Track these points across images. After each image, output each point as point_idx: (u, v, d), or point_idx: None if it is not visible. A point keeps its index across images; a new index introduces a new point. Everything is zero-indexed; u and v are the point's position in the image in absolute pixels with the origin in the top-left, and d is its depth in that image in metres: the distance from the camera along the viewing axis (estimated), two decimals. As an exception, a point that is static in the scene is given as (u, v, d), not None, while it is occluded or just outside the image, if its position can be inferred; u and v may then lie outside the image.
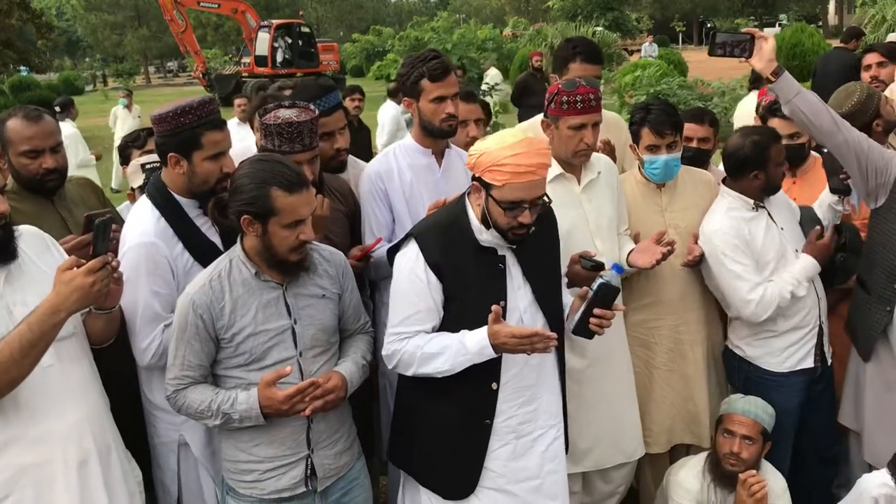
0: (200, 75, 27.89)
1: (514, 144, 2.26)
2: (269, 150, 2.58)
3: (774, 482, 2.98)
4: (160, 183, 2.55)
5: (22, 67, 28.63)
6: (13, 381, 1.99)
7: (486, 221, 2.35)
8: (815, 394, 3.19)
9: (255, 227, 2.24)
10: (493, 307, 2.27)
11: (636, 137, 3.09)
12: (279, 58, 26.14)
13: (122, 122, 13.06)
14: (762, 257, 3.03)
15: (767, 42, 2.80)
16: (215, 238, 2.56)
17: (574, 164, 2.91)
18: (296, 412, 2.26)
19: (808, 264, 3.02)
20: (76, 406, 2.18)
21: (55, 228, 2.56)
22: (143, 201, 2.57)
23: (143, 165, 2.97)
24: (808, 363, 3.13)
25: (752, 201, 3.04)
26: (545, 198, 2.33)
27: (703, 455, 3.06)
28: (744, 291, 3.00)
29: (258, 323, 2.29)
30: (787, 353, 3.11)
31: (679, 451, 3.33)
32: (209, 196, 2.46)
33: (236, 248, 2.34)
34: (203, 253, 2.51)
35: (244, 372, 2.31)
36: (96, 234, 2.10)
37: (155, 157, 2.75)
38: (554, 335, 2.26)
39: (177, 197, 2.53)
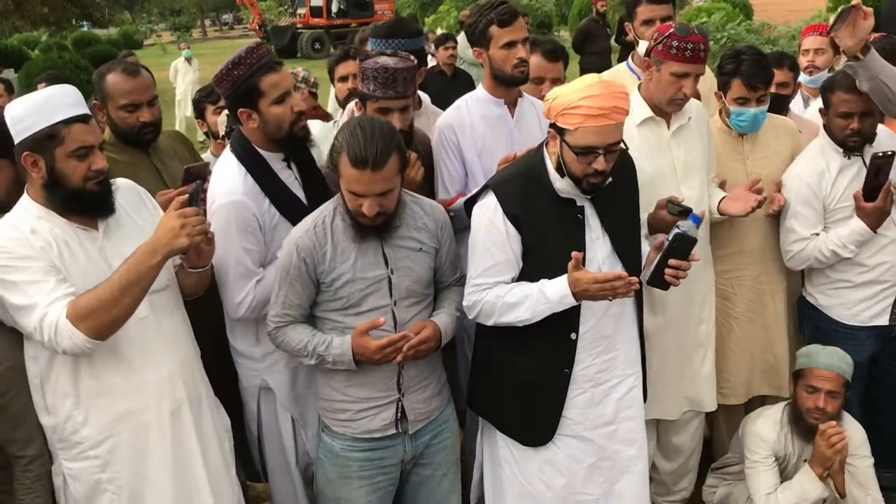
0: (256, 27, 27.98)
1: (589, 87, 2.22)
2: (364, 94, 2.64)
3: (854, 432, 2.94)
4: (243, 138, 2.57)
5: (84, 22, 29.10)
6: (115, 319, 2.06)
7: (560, 169, 2.33)
8: (889, 349, 3.12)
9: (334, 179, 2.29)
10: (574, 253, 2.26)
11: (725, 87, 3.00)
12: (334, 8, 26.01)
13: (183, 75, 13.23)
14: (836, 206, 2.96)
15: (867, 20, 2.65)
16: (299, 192, 2.60)
17: (667, 111, 2.83)
18: (386, 361, 2.32)
19: (856, 228, 2.93)
20: (170, 357, 2.27)
21: (151, 179, 2.64)
22: (229, 157, 2.58)
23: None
24: (882, 320, 3.06)
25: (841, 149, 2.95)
26: (622, 144, 2.30)
27: (781, 405, 3.03)
28: (788, 241, 3.00)
29: (357, 270, 2.34)
30: (861, 306, 3.05)
31: (754, 402, 3.30)
32: (289, 142, 2.51)
33: (338, 197, 2.37)
34: (289, 208, 2.55)
35: (341, 316, 2.38)
36: (192, 198, 2.16)
37: None
38: (635, 279, 2.26)
39: (260, 151, 2.54)
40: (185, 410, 2.29)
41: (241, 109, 2.48)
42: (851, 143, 2.93)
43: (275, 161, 2.56)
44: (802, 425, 2.90)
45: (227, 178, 2.52)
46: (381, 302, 2.36)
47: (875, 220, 2.89)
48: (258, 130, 2.51)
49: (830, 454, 2.76)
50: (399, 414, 2.44)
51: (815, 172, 2.96)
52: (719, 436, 3.44)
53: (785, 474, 2.94)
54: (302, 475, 2.74)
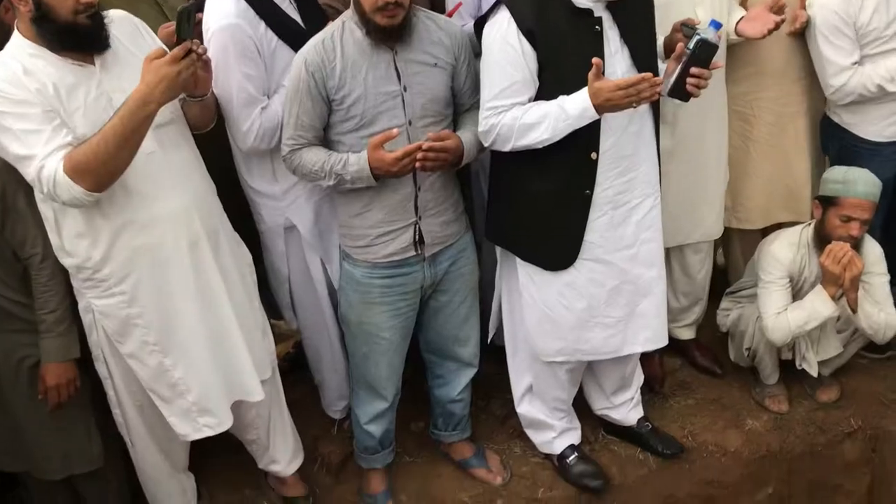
0: None
1: None
2: None
3: (870, 250, 2.96)
4: None
5: None
6: (112, 172, 2.04)
7: None
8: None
9: None
10: (594, 60, 2.19)
11: None
12: None
13: None
14: (869, 33, 2.84)
15: None
16: (295, 15, 2.51)
17: None
18: (405, 173, 2.30)
19: None
20: (182, 190, 2.25)
21: (150, 12, 2.54)
22: None
23: None
24: None
25: None
26: None
27: (799, 227, 3.02)
28: (829, 74, 2.88)
29: (368, 85, 2.29)
30: (888, 121, 2.98)
31: (770, 229, 3.30)
32: None
33: (350, 11, 2.30)
34: (286, 31, 2.47)
35: (356, 137, 2.34)
36: (180, 21, 2.05)
37: None
38: (660, 79, 2.20)
39: None
40: (204, 244, 2.29)
41: None
42: None
43: None
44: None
45: (221, 3, 2.42)
46: (395, 121, 2.32)
47: None
48: None
49: (839, 271, 2.77)
50: (417, 237, 2.45)
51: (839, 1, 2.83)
52: (735, 262, 3.46)
53: (799, 297, 2.96)
54: (332, 309, 2.79)
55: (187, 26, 2.04)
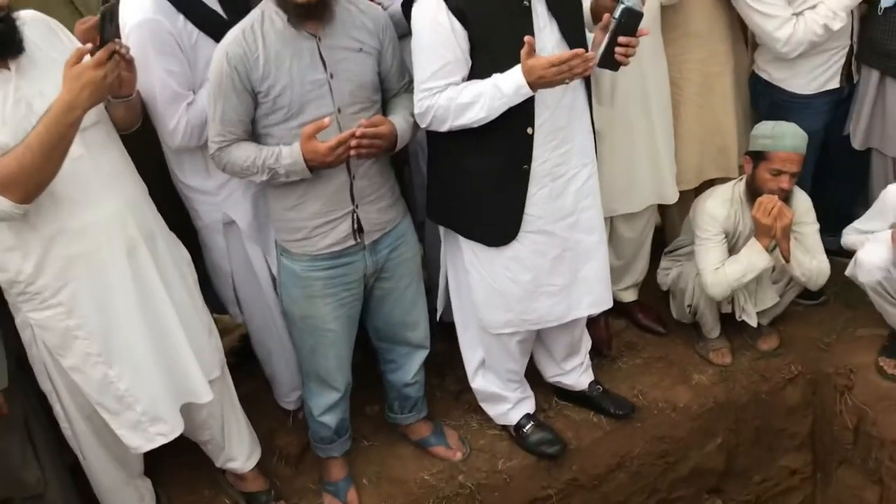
0: None
1: None
2: None
3: (800, 201, 3.05)
4: None
5: None
6: (40, 183, 1.97)
7: None
8: (840, 114, 3.19)
9: None
10: (527, 38, 2.19)
11: None
12: None
13: None
14: None
15: None
16: (215, 6, 2.44)
17: None
18: (340, 162, 2.26)
19: None
20: (113, 193, 2.18)
21: (64, 12, 2.43)
22: None
23: None
24: (835, 83, 3.10)
25: None
26: None
27: (731, 184, 3.10)
28: (772, 29, 2.91)
29: (293, 75, 2.24)
30: (814, 74, 3.07)
31: (703, 187, 3.37)
32: None
33: (266, 1, 2.24)
34: (207, 22, 2.39)
35: (285, 129, 2.30)
36: (102, 22, 1.98)
37: None
38: (591, 53, 2.22)
39: None
40: (141, 248, 2.23)
41: None
42: None
43: None
44: None
45: None
46: (323, 110, 2.28)
47: None
48: None
49: (770, 222, 2.86)
50: (356, 225, 2.43)
51: None
52: (671, 222, 3.54)
53: (735, 251, 3.04)
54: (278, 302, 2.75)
55: (110, 27, 1.97)
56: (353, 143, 2.23)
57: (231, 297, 2.79)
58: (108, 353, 2.21)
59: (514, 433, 2.96)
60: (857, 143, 3.22)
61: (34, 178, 1.94)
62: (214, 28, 2.37)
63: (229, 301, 2.82)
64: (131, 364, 2.23)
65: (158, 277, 2.27)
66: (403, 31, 2.55)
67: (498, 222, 2.53)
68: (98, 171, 2.14)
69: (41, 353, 2.23)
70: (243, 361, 3.18)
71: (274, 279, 2.69)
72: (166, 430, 2.33)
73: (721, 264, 2.98)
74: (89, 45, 1.95)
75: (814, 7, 2.91)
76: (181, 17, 2.36)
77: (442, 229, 2.71)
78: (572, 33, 2.38)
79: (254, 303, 2.77)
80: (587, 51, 2.33)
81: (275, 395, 3.04)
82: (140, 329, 2.23)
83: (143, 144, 2.46)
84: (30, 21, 2.09)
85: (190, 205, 2.64)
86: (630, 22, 2.24)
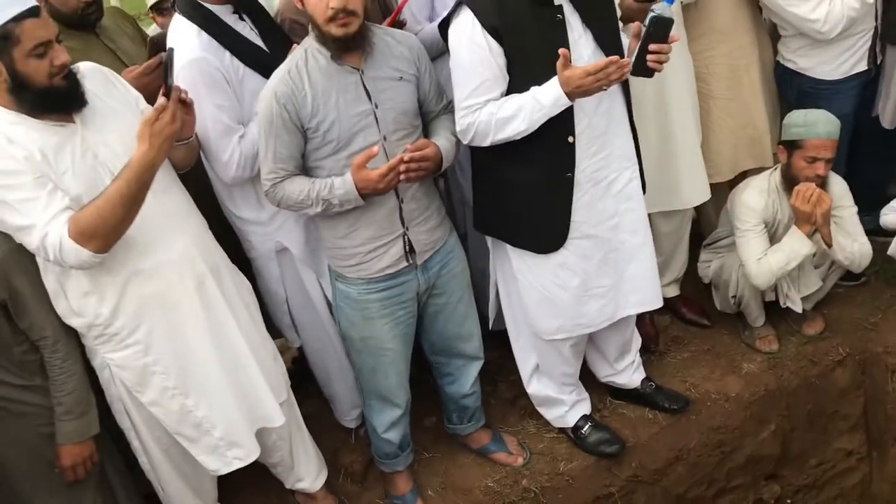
0: None
1: None
2: None
3: (836, 185, 3.09)
4: None
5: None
6: (119, 234, 2.05)
7: None
8: (868, 95, 3.22)
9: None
10: (561, 51, 2.24)
11: None
12: None
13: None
14: None
15: None
16: (258, 41, 2.53)
17: None
18: (391, 188, 2.33)
19: None
20: (180, 232, 2.26)
21: (105, 61, 2.50)
22: (179, 19, 2.49)
23: None
24: (862, 66, 3.14)
25: None
26: None
27: (766, 174, 3.13)
28: (806, 12, 2.95)
29: (340, 109, 2.31)
30: (842, 59, 3.12)
31: (738, 180, 3.40)
32: None
33: (310, 37, 2.31)
34: (252, 58, 2.48)
35: (334, 161, 2.36)
36: (166, 68, 2.04)
37: None
38: (627, 60, 2.27)
39: (208, 6, 2.46)
40: (209, 281, 2.30)
41: None
42: None
43: (225, 14, 2.48)
44: None
45: (183, 39, 2.42)
46: (371, 139, 2.35)
47: None
48: None
49: (809, 209, 2.89)
50: (407, 247, 2.49)
51: None
52: (707, 215, 3.57)
53: (775, 239, 3.09)
54: (334, 323, 2.81)
55: (172, 73, 2.03)
56: (403, 167, 2.29)
57: (287, 322, 2.86)
58: (184, 384, 2.28)
59: (573, 435, 3.01)
60: (886, 123, 3.25)
61: (116, 230, 2.02)
62: (259, 62, 2.46)
63: (286, 326, 2.89)
64: (207, 393, 2.31)
65: (227, 308, 2.34)
66: (436, 53, 2.63)
67: (545, 230, 2.58)
68: (165, 212, 2.22)
69: (119, 392, 2.31)
70: (299, 383, 3.24)
71: (328, 302, 2.75)
72: (243, 455, 2.40)
73: (764, 254, 3.02)
74: (163, 101, 2.02)
75: None
76: (227, 53, 2.45)
77: (490, 239, 2.77)
78: (608, 41, 2.44)
79: (310, 326, 2.84)
80: (623, 57, 2.39)
81: (335, 415, 3.11)
82: (213, 359, 2.30)
83: (195, 180, 2.54)
84: (88, 73, 2.18)
85: (243, 236, 2.71)
86: (660, 29, 2.28)
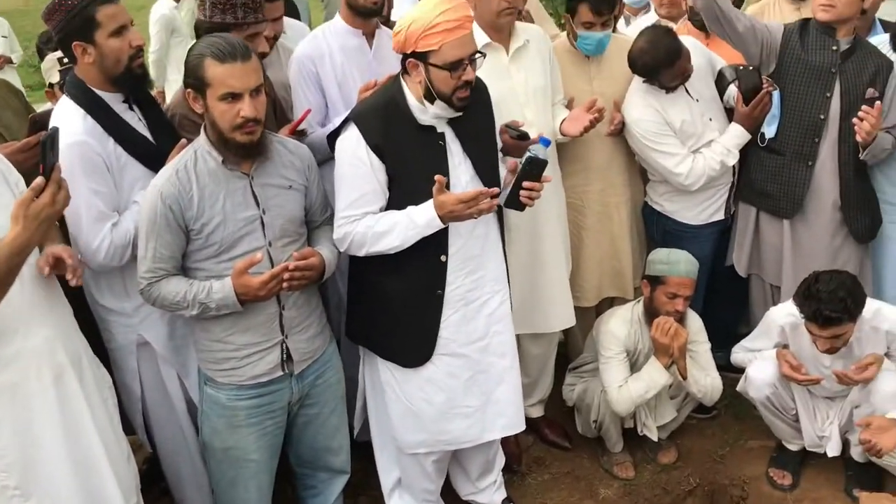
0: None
1: (437, 4, 2.32)
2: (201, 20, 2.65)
3: (692, 321, 3.28)
4: (77, 80, 2.46)
5: None
6: None
7: (429, 95, 2.40)
8: (724, 242, 3.50)
9: (198, 102, 2.24)
10: (437, 177, 2.35)
11: (572, 11, 3.13)
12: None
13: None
14: (685, 133, 3.23)
15: None
16: (145, 131, 2.53)
17: (500, 26, 2.88)
18: (272, 295, 2.32)
19: (736, 133, 3.24)
20: (44, 320, 2.14)
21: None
22: (66, 101, 2.48)
23: (59, 59, 2.84)
24: (720, 215, 3.43)
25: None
26: (479, 53, 2.40)
27: (630, 305, 3.31)
28: (672, 166, 3.23)
29: (227, 212, 2.30)
30: (702, 207, 3.39)
31: (602, 305, 3.57)
32: (128, 80, 2.43)
33: (201, 138, 2.32)
34: (136, 147, 2.48)
35: (215, 263, 2.34)
36: (45, 148, 1.94)
37: None
38: (496, 190, 2.39)
39: (98, 92, 2.45)
40: (69, 374, 2.17)
41: (75, 42, 2.37)
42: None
43: (115, 102, 2.49)
44: None
45: (67, 121, 2.39)
46: (255, 244, 2.35)
47: (751, 125, 3.20)
48: (94, 67, 2.42)
49: (667, 342, 3.07)
50: (284, 355, 2.46)
51: (652, 113, 3.20)
52: (574, 339, 3.71)
53: (636, 368, 3.23)
54: (191, 424, 2.72)
55: (51, 154, 1.95)
56: (286, 276, 2.29)
57: (140, 422, 2.74)
58: (26, 485, 2.09)
59: (430, 553, 2.96)
60: (741, 271, 3.51)
61: None
62: (143, 152, 2.46)
63: (137, 426, 2.76)
64: (50, 496, 2.13)
65: (85, 403, 2.20)
66: (324, 157, 2.72)
67: (413, 344, 2.62)
68: (31, 298, 2.10)
69: None
70: (150, 484, 3.08)
71: (188, 402, 2.66)
72: None
73: (625, 381, 3.16)
74: (41, 180, 1.90)
75: (709, 145, 3.26)
76: (111, 140, 2.43)
77: (362, 349, 2.78)
78: (486, 170, 2.57)
79: (165, 426, 2.73)
80: (499, 187, 2.52)
81: (185, 522, 2.95)
82: (62, 459, 2.14)
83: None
84: None
85: (104, 325, 2.62)
86: (535, 169, 2.45)
